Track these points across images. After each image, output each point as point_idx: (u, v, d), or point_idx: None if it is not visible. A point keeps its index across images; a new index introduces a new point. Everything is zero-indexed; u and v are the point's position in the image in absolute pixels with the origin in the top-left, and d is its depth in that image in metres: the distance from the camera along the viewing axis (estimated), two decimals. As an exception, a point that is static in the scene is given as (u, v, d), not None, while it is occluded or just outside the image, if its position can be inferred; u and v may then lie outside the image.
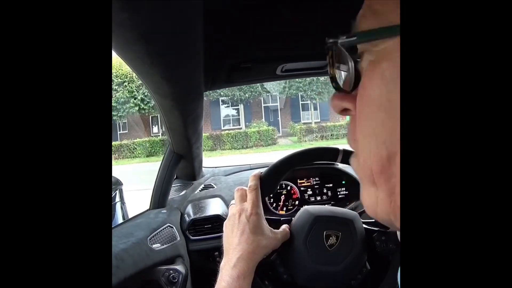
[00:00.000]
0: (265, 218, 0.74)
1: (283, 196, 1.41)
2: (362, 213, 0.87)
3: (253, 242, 0.63)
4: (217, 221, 1.23)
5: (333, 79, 0.36)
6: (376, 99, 0.29)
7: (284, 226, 0.73)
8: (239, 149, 14.89)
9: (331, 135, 15.00)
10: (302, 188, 1.43)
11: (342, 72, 0.35)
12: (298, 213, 0.78)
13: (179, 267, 1.03)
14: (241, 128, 16.63)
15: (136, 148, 14.22)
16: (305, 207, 0.79)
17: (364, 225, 0.77)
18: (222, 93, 16.06)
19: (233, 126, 17.49)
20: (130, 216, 1.45)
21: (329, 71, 0.36)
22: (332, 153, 0.76)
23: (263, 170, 0.76)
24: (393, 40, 0.27)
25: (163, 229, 1.12)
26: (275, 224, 0.76)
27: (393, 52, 0.27)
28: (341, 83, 0.35)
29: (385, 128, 0.29)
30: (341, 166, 1.42)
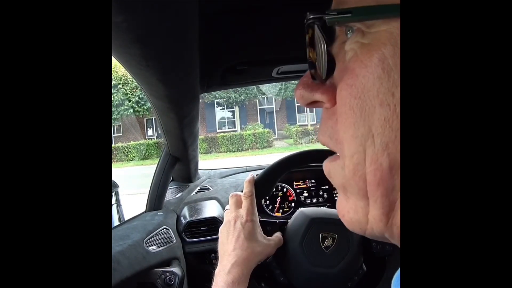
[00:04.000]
0: (261, 220, 0.74)
1: (279, 198, 1.41)
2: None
3: (247, 248, 0.63)
4: (213, 223, 1.23)
5: (313, 65, 0.29)
6: (374, 91, 0.24)
7: (278, 233, 0.73)
8: (234, 151, 14.86)
9: (327, 137, 14.90)
10: (298, 190, 1.43)
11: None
12: (294, 215, 0.78)
13: (176, 269, 1.02)
14: (236, 131, 16.60)
15: (130, 151, 14.15)
16: (301, 209, 0.79)
17: None
18: (217, 95, 16.03)
19: (228, 128, 17.46)
20: (126, 218, 1.45)
21: (309, 54, 0.29)
22: (328, 155, 0.76)
23: (258, 173, 0.76)
24: (399, 22, 0.23)
25: (159, 231, 1.12)
26: (271, 226, 0.76)
27: (398, 36, 0.23)
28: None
29: (387, 129, 0.24)
30: None
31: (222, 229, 0.68)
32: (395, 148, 0.24)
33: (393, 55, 0.23)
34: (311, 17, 0.28)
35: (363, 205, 0.27)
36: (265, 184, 0.74)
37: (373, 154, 0.25)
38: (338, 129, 0.28)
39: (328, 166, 0.33)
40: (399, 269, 0.28)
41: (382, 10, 0.24)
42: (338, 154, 0.30)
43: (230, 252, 0.63)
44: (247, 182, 0.70)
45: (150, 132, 16.45)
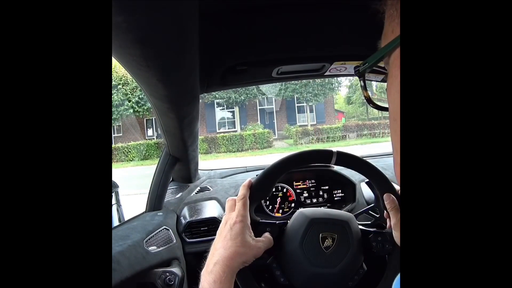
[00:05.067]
0: (261, 221, 0.74)
1: (279, 198, 1.41)
2: (358, 215, 0.87)
3: (230, 248, 0.63)
4: (213, 224, 1.23)
5: (370, 101, 0.41)
6: (394, 111, 0.33)
7: (266, 234, 0.73)
8: (234, 152, 14.83)
9: (327, 137, 15.00)
10: (298, 191, 1.43)
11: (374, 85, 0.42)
12: (294, 215, 0.78)
13: (175, 270, 1.02)
14: (236, 131, 16.57)
15: (130, 151, 14.14)
16: (300, 209, 0.79)
17: (360, 226, 0.78)
18: (217, 96, 16.01)
19: (228, 128, 17.44)
20: (126, 218, 1.45)
21: (364, 94, 0.41)
22: (326, 155, 0.76)
23: (259, 173, 0.76)
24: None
25: (159, 231, 1.12)
26: (270, 227, 0.76)
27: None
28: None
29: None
30: (337, 168, 1.43)
31: (217, 233, 0.69)
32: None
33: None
34: (356, 70, 0.40)
35: None
36: (263, 187, 0.74)
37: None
38: None
39: None
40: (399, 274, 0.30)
41: (380, 53, 0.33)
42: None
43: (213, 252, 0.64)
44: (242, 186, 0.72)
45: (150, 132, 16.42)
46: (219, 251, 0.63)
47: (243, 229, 0.66)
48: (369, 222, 0.85)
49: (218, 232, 0.68)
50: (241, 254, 0.64)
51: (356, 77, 0.42)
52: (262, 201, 1.38)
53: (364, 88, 0.41)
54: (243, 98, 16.43)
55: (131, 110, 14.75)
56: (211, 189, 1.45)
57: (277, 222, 0.79)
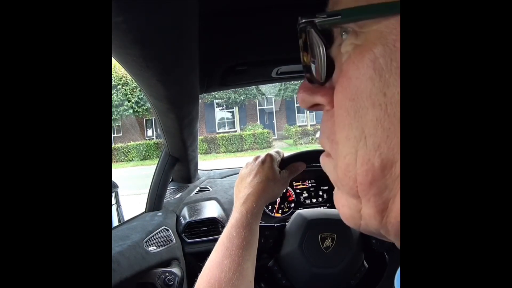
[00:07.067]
0: (260, 223, 0.75)
1: (279, 198, 1.40)
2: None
3: (263, 182, 0.67)
4: (212, 224, 1.23)
5: (308, 69, 0.30)
6: (367, 92, 0.24)
7: (290, 166, 0.75)
8: (234, 152, 14.85)
9: (327, 137, 14.89)
10: (297, 191, 1.43)
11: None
12: (292, 217, 0.79)
13: (175, 270, 1.02)
14: (236, 131, 16.60)
15: (130, 151, 14.14)
16: (298, 211, 0.79)
17: None
18: (217, 96, 16.03)
19: (228, 129, 17.47)
20: (125, 219, 1.44)
21: (302, 58, 0.30)
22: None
23: None
24: (389, 20, 0.23)
25: (159, 231, 1.12)
26: (269, 230, 0.76)
27: (389, 34, 0.23)
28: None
29: (379, 129, 0.24)
30: None
31: (242, 172, 0.74)
32: (386, 148, 0.23)
33: (384, 55, 0.23)
34: (303, 21, 0.28)
35: (356, 202, 0.27)
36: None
37: (365, 154, 0.25)
38: (334, 130, 0.28)
39: (323, 161, 0.33)
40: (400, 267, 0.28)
41: (372, 10, 0.23)
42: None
43: (246, 185, 0.67)
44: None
45: (149, 132, 16.44)
46: (253, 183, 0.67)
47: (274, 164, 0.70)
48: None
49: (245, 169, 0.73)
50: (273, 187, 0.68)
51: None
52: None
53: (311, 47, 0.29)
54: (242, 98, 16.45)
55: (131, 111, 14.78)
56: (211, 189, 1.45)
57: (276, 225, 0.79)
